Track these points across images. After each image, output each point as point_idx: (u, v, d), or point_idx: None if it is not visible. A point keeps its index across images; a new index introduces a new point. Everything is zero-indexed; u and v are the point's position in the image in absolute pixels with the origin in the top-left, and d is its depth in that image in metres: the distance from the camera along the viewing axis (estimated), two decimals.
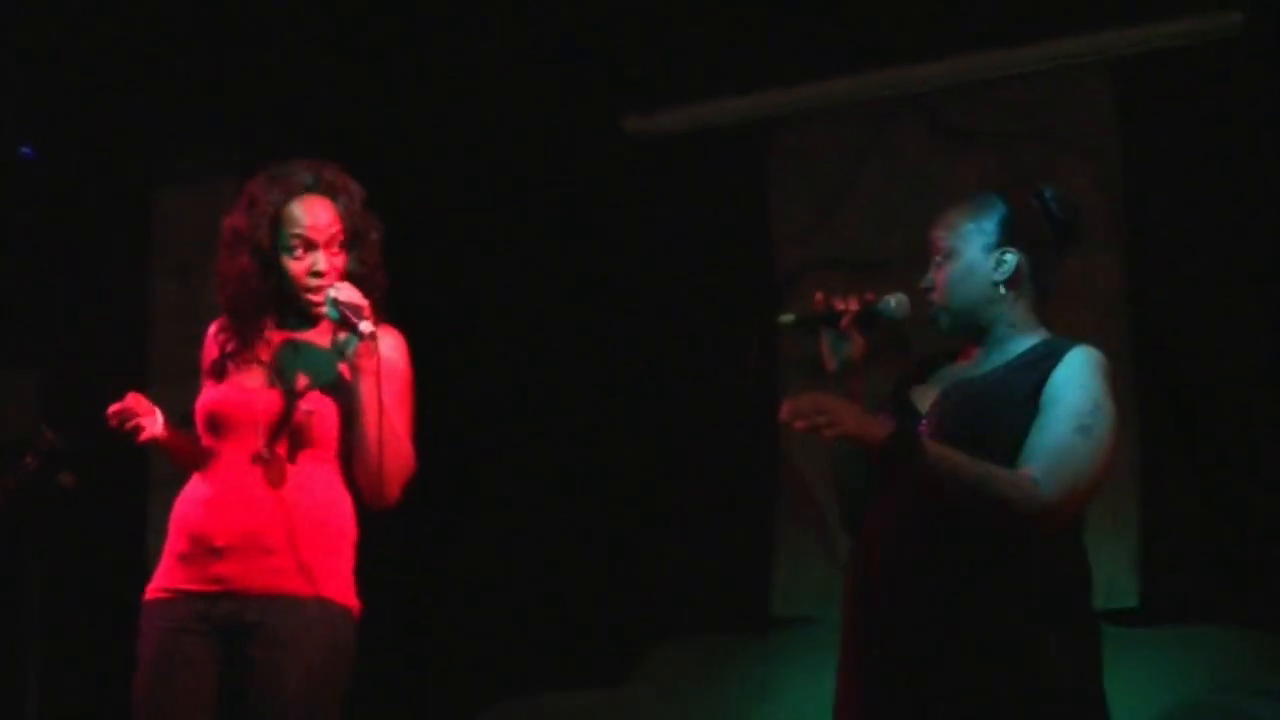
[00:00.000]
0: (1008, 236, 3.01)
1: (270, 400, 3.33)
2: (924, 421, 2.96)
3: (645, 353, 5.71)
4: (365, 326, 3.18)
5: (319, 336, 3.39)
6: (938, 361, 3.13)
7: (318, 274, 3.34)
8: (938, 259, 3.04)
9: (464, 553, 5.78)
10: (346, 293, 3.25)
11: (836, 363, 3.07)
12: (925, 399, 3.02)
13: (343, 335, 3.23)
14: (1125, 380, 5.09)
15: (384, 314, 3.40)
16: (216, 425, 3.37)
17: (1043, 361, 2.93)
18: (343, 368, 3.28)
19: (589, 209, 5.74)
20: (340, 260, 3.37)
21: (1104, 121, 5.20)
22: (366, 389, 3.22)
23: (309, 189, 3.38)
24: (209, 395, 3.40)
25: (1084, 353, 2.94)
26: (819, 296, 3.07)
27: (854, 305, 3.04)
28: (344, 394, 3.31)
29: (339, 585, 3.32)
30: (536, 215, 5.82)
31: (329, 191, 3.39)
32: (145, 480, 5.81)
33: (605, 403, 5.68)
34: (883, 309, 3.05)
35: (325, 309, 3.27)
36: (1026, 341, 3.00)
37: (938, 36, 5.37)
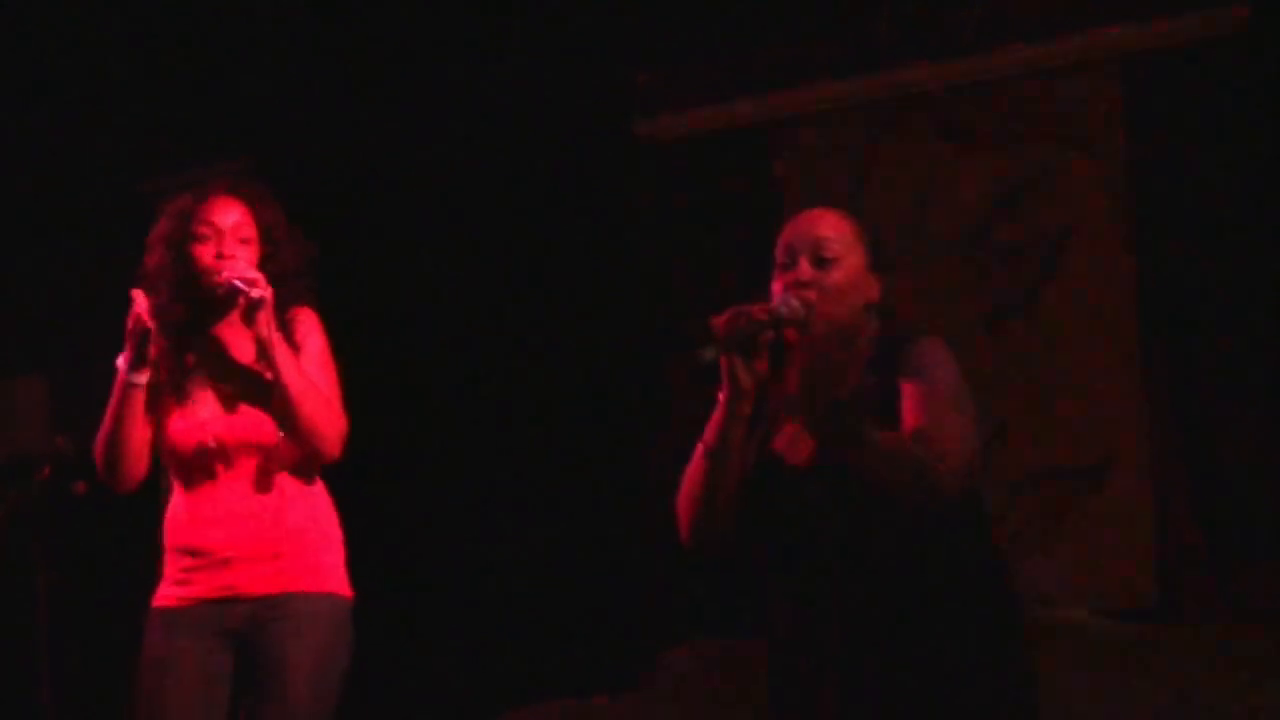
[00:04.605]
0: (875, 259, 2.99)
1: (223, 427, 3.53)
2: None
3: (656, 356, 5.70)
4: (256, 292, 3.41)
5: (236, 334, 3.57)
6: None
7: (220, 257, 3.51)
8: (823, 260, 2.91)
9: (475, 560, 5.78)
10: (238, 270, 3.46)
11: (751, 381, 2.85)
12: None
13: (242, 302, 3.44)
14: (1137, 380, 5.11)
15: (303, 302, 3.60)
16: (182, 459, 3.59)
17: (891, 351, 2.89)
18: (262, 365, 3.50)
19: (599, 213, 5.74)
20: (249, 253, 3.55)
21: (1111, 120, 5.19)
22: (269, 350, 3.43)
23: (221, 191, 3.59)
24: (170, 432, 3.58)
25: (933, 340, 2.91)
26: (718, 320, 2.82)
27: (762, 316, 2.81)
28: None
29: (337, 578, 3.58)
30: (547, 219, 5.81)
31: (239, 194, 3.59)
32: (157, 487, 5.80)
33: (617, 406, 5.67)
34: (790, 314, 2.84)
35: (223, 288, 3.47)
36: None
37: (943, 36, 5.37)
